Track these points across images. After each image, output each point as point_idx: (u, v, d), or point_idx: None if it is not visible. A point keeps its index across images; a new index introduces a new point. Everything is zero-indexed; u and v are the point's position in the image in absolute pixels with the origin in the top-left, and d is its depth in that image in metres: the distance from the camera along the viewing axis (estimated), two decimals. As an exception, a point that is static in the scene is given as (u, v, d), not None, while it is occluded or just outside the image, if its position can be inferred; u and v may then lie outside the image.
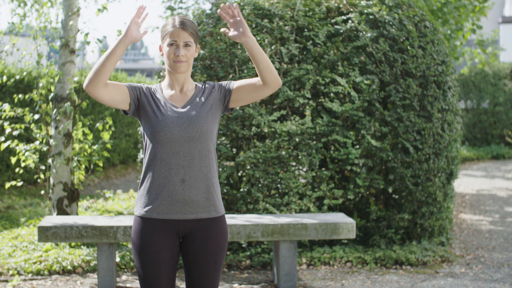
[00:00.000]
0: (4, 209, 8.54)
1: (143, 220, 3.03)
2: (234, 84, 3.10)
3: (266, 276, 5.74)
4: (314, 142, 6.22)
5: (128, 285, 5.45)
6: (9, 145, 6.97)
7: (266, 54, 3.07)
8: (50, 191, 6.70)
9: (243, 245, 6.20)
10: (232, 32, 2.98)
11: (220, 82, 3.17)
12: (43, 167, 7.01)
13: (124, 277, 5.67)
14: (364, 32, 6.31)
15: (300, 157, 6.14)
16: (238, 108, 6.17)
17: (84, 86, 2.90)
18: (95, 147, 6.88)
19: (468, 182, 12.11)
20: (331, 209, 6.35)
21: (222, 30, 3.04)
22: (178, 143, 2.98)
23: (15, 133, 6.74)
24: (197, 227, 3.03)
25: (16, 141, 6.75)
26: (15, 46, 6.94)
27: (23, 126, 6.74)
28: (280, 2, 6.56)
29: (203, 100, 3.07)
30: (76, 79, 6.73)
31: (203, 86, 3.12)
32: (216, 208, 3.06)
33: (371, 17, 6.44)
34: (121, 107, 3.02)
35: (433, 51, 6.56)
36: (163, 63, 3.41)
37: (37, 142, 6.76)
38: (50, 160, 6.67)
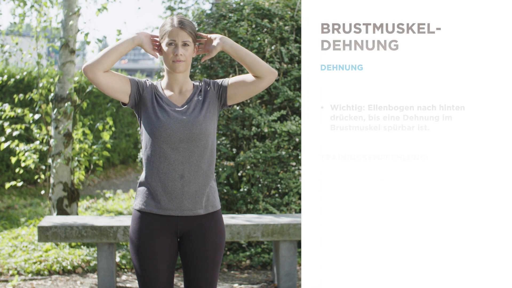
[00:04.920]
0: (4, 209, 8.54)
1: (142, 215, 3.04)
2: (229, 81, 3.12)
3: (266, 276, 5.74)
4: (314, 142, 6.21)
5: (128, 285, 5.45)
6: (9, 145, 6.97)
7: (246, 49, 3.14)
8: (50, 191, 6.70)
9: (243, 245, 6.20)
10: (209, 53, 3.11)
11: (216, 80, 3.20)
12: (43, 167, 7.01)
13: (124, 277, 5.67)
14: (364, 32, 6.31)
15: (300, 157, 6.14)
16: (238, 108, 6.18)
17: (83, 67, 2.93)
18: (95, 147, 6.88)
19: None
20: (331, 209, 6.34)
21: (202, 61, 3.21)
22: (177, 140, 3.00)
23: (15, 133, 6.74)
24: (195, 226, 3.05)
25: (16, 141, 6.75)
26: (17, 46, 6.95)
27: (23, 126, 6.74)
28: (280, 2, 6.56)
29: (201, 99, 3.09)
30: (76, 79, 6.74)
31: (200, 84, 3.15)
32: (212, 203, 3.08)
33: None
34: (118, 96, 3.03)
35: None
36: (163, 63, 3.42)
37: (37, 142, 6.76)
38: (50, 160, 6.68)
